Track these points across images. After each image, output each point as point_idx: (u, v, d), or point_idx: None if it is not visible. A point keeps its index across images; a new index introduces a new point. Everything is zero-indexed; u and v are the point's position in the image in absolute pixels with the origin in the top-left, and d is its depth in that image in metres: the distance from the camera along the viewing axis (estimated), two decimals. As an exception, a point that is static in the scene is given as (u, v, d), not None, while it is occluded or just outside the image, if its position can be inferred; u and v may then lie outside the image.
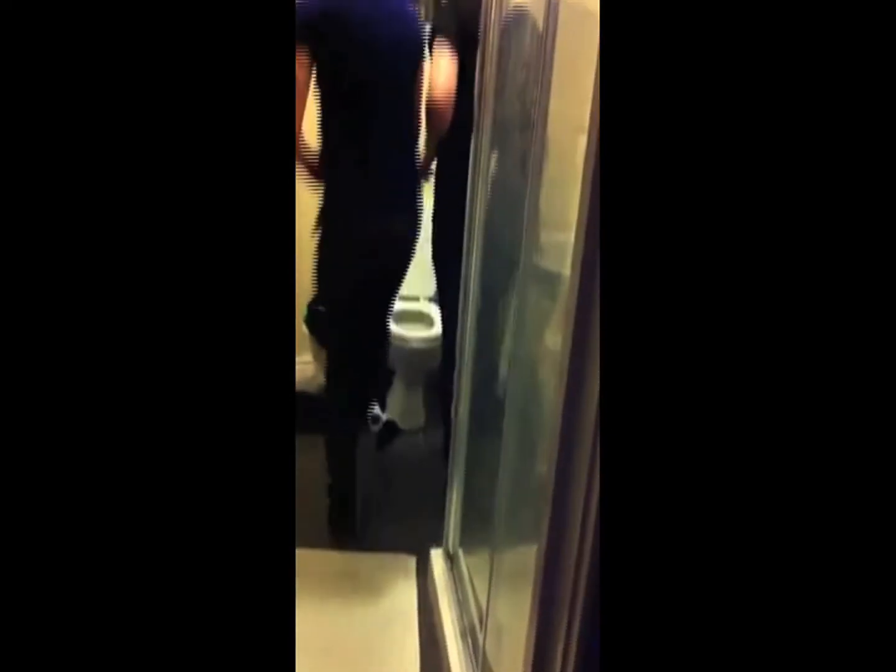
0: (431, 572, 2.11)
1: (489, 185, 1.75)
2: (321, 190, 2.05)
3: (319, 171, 2.08)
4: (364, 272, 2.13)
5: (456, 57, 2.08)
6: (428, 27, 2.21)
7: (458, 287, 1.97)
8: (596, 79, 0.85)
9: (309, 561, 2.16)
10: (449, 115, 2.09)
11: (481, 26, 1.68)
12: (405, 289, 3.06)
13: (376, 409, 2.94)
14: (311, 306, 2.73)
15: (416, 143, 2.18)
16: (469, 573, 1.93)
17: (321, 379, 3.05)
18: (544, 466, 1.07)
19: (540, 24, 1.29)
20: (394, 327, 2.85)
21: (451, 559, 2.10)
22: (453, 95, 2.09)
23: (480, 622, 1.66)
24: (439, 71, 2.09)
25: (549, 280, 1.30)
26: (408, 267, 2.30)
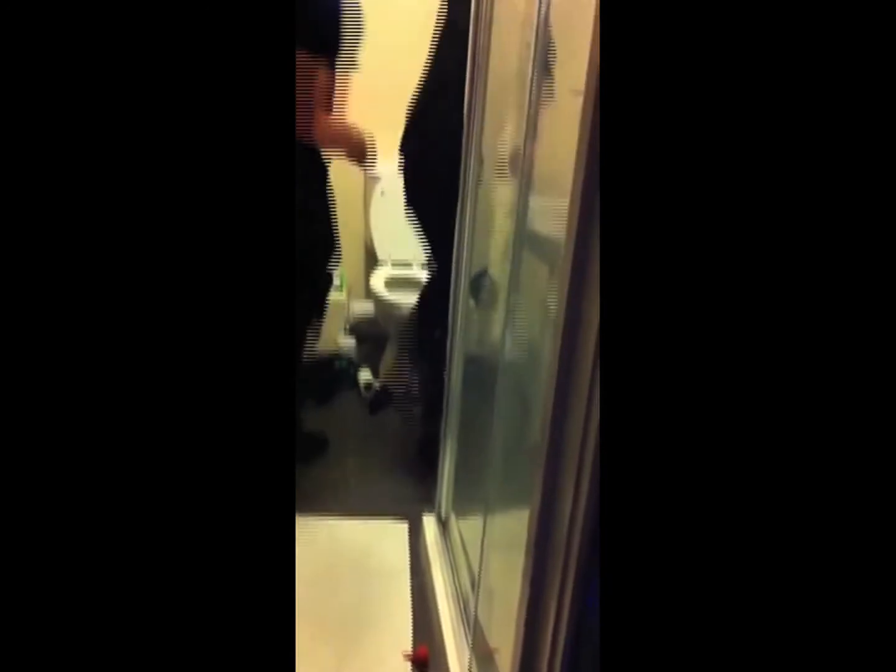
0: (423, 537, 2.12)
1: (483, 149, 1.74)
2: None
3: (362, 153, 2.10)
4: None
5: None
6: None
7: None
8: (594, 38, 0.84)
9: (300, 527, 2.17)
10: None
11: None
12: (397, 254, 3.07)
13: (369, 376, 2.95)
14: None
15: None
16: (461, 538, 1.94)
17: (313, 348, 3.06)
18: (538, 430, 1.07)
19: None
20: (386, 293, 2.85)
21: (443, 524, 2.11)
22: None
23: (472, 586, 1.67)
24: None
25: (545, 243, 1.29)
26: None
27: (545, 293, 1.31)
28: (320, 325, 2.43)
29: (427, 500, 2.21)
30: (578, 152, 0.88)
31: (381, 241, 3.09)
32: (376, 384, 2.93)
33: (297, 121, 1.98)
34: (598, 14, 0.82)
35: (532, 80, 1.26)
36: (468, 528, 1.90)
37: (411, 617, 1.94)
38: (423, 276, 2.98)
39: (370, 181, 3.09)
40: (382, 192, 3.03)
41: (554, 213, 1.09)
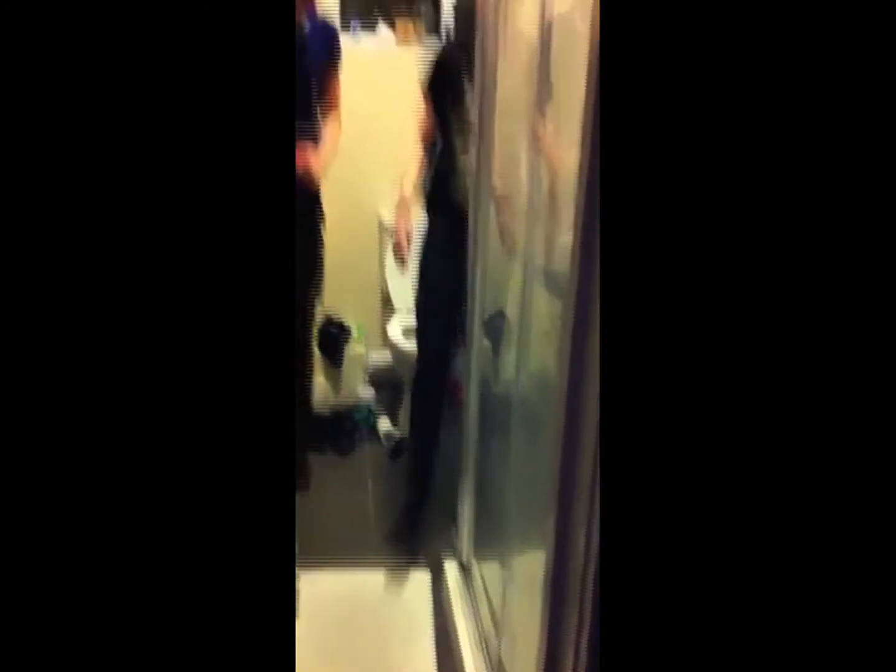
0: (445, 583, 2.10)
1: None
2: None
3: None
4: None
5: None
6: None
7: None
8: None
9: (322, 577, 2.17)
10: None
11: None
12: (413, 302, 3.08)
13: (388, 425, 2.94)
14: (323, 328, 2.76)
15: None
16: (483, 581, 1.92)
17: (333, 399, 3.06)
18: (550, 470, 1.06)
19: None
20: (403, 341, 2.85)
21: (464, 569, 2.09)
22: None
23: (495, 629, 1.65)
24: None
25: (555, 279, 1.30)
26: None
27: (556, 330, 1.31)
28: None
29: (448, 545, 2.19)
30: (578, 183, 0.89)
31: (396, 289, 3.10)
32: (396, 433, 2.93)
33: None
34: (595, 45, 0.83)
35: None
36: (489, 571, 1.88)
37: (435, 662, 1.91)
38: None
39: (385, 230, 3.11)
40: (397, 241, 3.05)
41: (561, 247, 1.10)
